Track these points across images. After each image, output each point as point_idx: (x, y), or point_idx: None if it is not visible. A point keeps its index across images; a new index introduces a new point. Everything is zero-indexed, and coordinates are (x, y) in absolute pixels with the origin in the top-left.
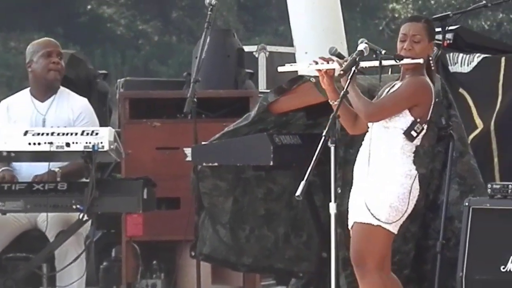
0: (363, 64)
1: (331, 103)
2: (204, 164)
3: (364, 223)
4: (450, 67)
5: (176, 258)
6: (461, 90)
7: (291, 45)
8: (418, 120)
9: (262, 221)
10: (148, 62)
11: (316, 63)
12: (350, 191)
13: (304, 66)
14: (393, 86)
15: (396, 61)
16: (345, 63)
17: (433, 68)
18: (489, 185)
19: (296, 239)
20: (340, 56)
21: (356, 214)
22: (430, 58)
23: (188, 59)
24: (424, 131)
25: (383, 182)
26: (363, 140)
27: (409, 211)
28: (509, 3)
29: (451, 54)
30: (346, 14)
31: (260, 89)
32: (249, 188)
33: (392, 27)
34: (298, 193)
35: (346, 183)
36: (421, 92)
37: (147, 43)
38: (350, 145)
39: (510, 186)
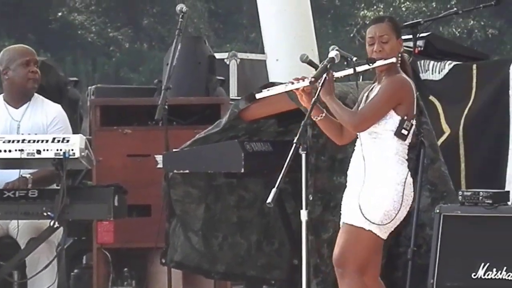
0: (338, 74)
1: (314, 118)
2: (175, 171)
3: (356, 226)
4: (421, 75)
5: (147, 265)
6: (431, 97)
7: (262, 52)
8: (405, 117)
9: (234, 228)
10: (119, 69)
11: (292, 83)
12: (321, 198)
13: (280, 88)
14: (371, 89)
15: (370, 65)
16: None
17: (409, 61)
18: (460, 192)
19: (268, 246)
20: (311, 63)
21: (349, 216)
22: (400, 55)
23: (159, 66)
24: (414, 127)
25: (377, 188)
26: (335, 147)
27: (401, 218)
28: (480, 10)
29: (422, 61)
30: (317, 21)
31: (231, 96)
32: (221, 196)
33: (363, 34)
34: (269, 200)
35: (317, 190)
36: (401, 90)
37: (118, 50)
38: (322, 152)
39: (481, 193)
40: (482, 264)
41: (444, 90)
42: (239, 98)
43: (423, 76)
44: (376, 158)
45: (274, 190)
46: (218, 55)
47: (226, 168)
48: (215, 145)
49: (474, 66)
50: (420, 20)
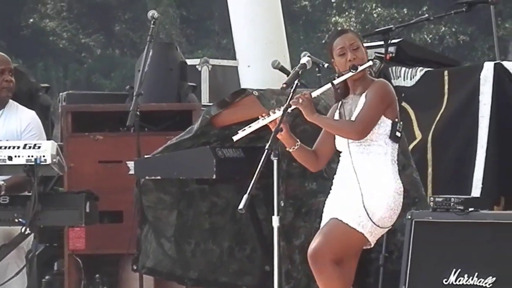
0: (315, 93)
1: (289, 149)
2: (147, 177)
3: (349, 226)
4: (393, 81)
5: (119, 272)
6: (404, 103)
7: (234, 58)
8: (396, 119)
9: (207, 235)
10: (91, 75)
11: (263, 118)
12: (293, 204)
13: (256, 125)
14: (350, 103)
15: (353, 71)
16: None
17: (381, 67)
18: (431, 198)
19: (240, 252)
20: (282, 69)
21: (343, 214)
22: (369, 59)
23: (130, 73)
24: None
25: (375, 192)
26: None
27: (389, 226)
28: (451, 17)
29: (394, 67)
30: (289, 27)
31: (203, 102)
32: (194, 202)
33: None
34: (241, 206)
35: (289, 196)
36: (389, 93)
37: (90, 56)
38: (293, 158)
39: (452, 199)
40: (454, 270)
41: (417, 96)
42: (211, 104)
43: (395, 82)
44: (371, 165)
45: (245, 196)
46: (189, 61)
47: (198, 174)
48: (187, 152)
49: (446, 73)
50: (392, 26)
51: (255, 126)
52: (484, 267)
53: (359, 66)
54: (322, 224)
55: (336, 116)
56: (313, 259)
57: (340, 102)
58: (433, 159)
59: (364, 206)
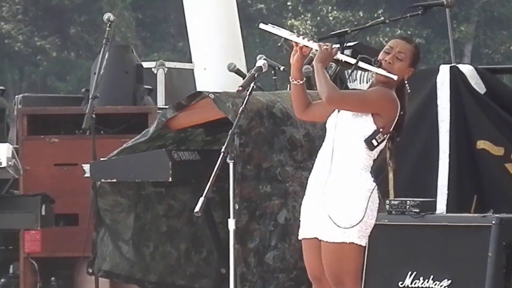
0: (340, 56)
1: (291, 80)
2: (102, 180)
3: (337, 242)
4: (349, 84)
5: (75, 275)
6: None
7: (190, 61)
8: (381, 130)
9: (165, 238)
10: (46, 78)
11: (297, 36)
12: (247, 207)
13: (285, 33)
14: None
15: (373, 65)
16: (246, 79)
17: (408, 91)
18: (387, 201)
19: (197, 255)
20: (238, 72)
21: (324, 232)
22: (406, 81)
23: (86, 75)
24: (384, 142)
25: (348, 198)
26: (261, 156)
27: (373, 223)
28: (407, 20)
29: (350, 70)
30: (245, 30)
31: (158, 105)
32: (151, 205)
33: (290, 43)
34: (196, 209)
35: (243, 199)
36: (386, 103)
37: (45, 59)
38: (248, 161)
39: (408, 202)
40: (409, 272)
41: None
42: (167, 107)
43: (351, 85)
44: (344, 161)
45: (201, 199)
46: (145, 64)
47: (154, 177)
48: (142, 154)
49: None
50: (347, 29)
51: (285, 33)
52: (439, 269)
53: (381, 69)
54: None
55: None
56: (335, 285)
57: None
58: (393, 164)
59: (336, 211)
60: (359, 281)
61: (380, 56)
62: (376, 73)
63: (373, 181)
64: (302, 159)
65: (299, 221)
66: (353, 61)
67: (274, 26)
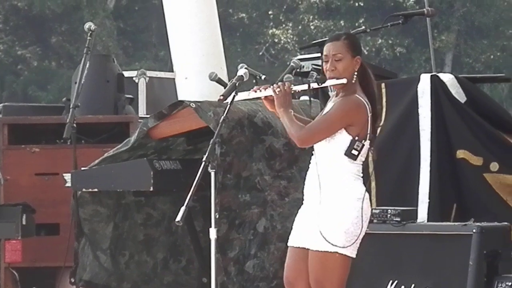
0: (296, 87)
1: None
2: (84, 189)
3: (320, 251)
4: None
5: (56, 285)
6: None
7: (171, 70)
8: (357, 138)
9: (141, 246)
10: (27, 87)
11: (255, 91)
12: (227, 216)
13: (243, 94)
14: (331, 101)
15: (319, 84)
16: (269, 88)
17: (370, 77)
18: None
19: (175, 264)
20: (220, 81)
21: (311, 241)
22: (356, 73)
23: (67, 85)
24: (367, 146)
25: (335, 207)
26: (240, 165)
27: (363, 233)
28: (388, 29)
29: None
30: (226, 39)
31: (140, 114)
32: (129, 214)
33: (272, 52)
34: (178, 218)
35: (223, 208)
36: (353, 111)
37: (26, 68)
38: (228, 170)
39: (389, 211)
40: (391, 281)
41: None
42: (148, 116)
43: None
44: (330, 176)
45: (183, 208)
46: (127, 73)
47: (135, 186)
48: (124, 164)
49: (383, 85)
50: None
51: (243, 95)
52: (420, 278)
53: (327, 81)
54: (293, 243)
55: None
56: None
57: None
58: (376, 173)
59: (326, 224)
60: None
61: (323, 68)
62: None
63: (365, 190)
64: (281, 168)
65: (278, 229)
66: (305, 87)
67: (237, 94)
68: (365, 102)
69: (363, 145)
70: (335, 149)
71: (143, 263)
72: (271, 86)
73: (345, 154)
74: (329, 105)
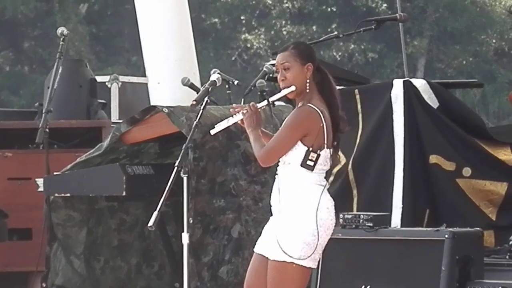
0: (259, 105)
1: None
2: (56, 194)
3: (278, 261)
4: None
5: None
6: None
7: (144, 75)
8: (311, 148)
9: (116, 252)
10: (0, 92)
11: (228, 120)
12: (201, 221)
13: (223, 123)
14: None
15: (269, 101)
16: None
17: (330, 83)
18: (341, 215)
19: (148, 269)
20: (192, 86)
21: (270, 250)
22: (308, 81)
23: (40, 89)
24: (325, 155)
25: (292, 218)
26: (215, 170)
27: (322, 243)
28: (360, 34)
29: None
30: (199, 44)
31: (112, 119)
32: (103, 219)
33: (244, 57)
34: (150, 223)
35: (197, 213)
36: (305, 121)
37: None
38: (202, 175)
39: (361, 216)
40: (363, 286)
41: None
42: (121, 121)
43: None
44: (289, 187)
45: (155, 213)
46: (99, 78)
47: (107, 191)
48: (96, 169)
49: (357, 91)
50: None
51: (224, 124)
52: (393, 283)
53: (275, 95)
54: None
55: None
56: None
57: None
58: (356, 181)
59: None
60: None
61: (278, 80)
62: (291, 93)
63: (327, 198)
64: (256, 172)
65: (252, 234)
66: (265, 102)
67: (221, 123)
68: (317, 110)
69: (319, 154)
70: (291, 160)
71: (118, 269)
72: (242, 110)
73: (301, 165)
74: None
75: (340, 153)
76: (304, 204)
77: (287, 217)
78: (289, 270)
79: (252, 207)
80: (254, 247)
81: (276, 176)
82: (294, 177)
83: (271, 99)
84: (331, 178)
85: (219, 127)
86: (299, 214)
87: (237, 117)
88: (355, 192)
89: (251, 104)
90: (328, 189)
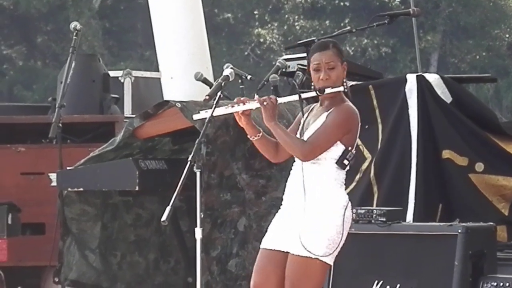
0: (281, 99)
1: (251, 138)
2: (69, 189)
3: (302, 256)
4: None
5: (41, 284)
6: None
7: (157, 70)
8: (350, 148)
9: (133, 247)
10: (13, 87)
11: (233, 106)
12: (210, 215)
13: (220, 110)
14: (311, 110)
15: (318, 93)
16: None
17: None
18: (354, 210)
19: (165, 265)
20: (205, 81)
21: (292, 245)
22: (344, 81)
23: (53, 84)
24: (353, 154)
25: (320, 215)
26: (223, 164)
27: (343, 241)
28: (374, 29)
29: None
30: (212, 39)
31: (125, 114)
32: (118, 214)
33: (257, 52)
34: (163, 218)
35: (206, 207)
36: (351, 120)
37: (12, 68)
38: (212, 169)
39: (374, 211)
40: (376, 281)
41: None
42: (134, 116)
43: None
44: (316, 183)
45: (168, 208)
46: (112, 73)
47: (120, 186)
48: (109, 163)
49: (371, 87)
50: (315, 38)
51: (220, 111)
52: (406, 278)
53: (326, 89)
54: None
55: (306, 121)
56: None
57: (312, 107)
58: (376, 178)
59: (308, 233)
60: None
61: (313, 78)
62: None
63: (348, 198)
64: (260, 167)
65: (254, 228)
66: (295, 97)
67: (206, 110)
68: (356, 110)
69: (353, 154)
70: (325, 157)
71: (136, 264)
72: (257, 99)
73: (336, 162)
74: (322, 117)
75: (365, 150)
76: (333, 202)
77: (314, 214)
78: (313, 266)
79: (253, 201)
80: (259, 242)
81: (293, 172)
82: (326, 174)
83: (304, 95)
84: (359, 176)
85: (218, 111)
86: (328, 212)
87: (250, 105)
88: (375, 188)
89: (271, 96)
90: (355, 186)
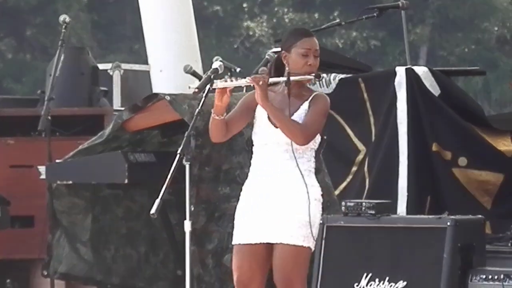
0: (272, 80)
1: (217, 117)
2: (58, 182)
3: (296, 245)
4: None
5: (30, 277)
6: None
7: (146, 63)
8: (325, 137)
9: (125, 240)
10: (2, 80)
11: (226, 81)
12: (205, 208)
13: (221, 83)
14: (280, 99)
15: (316, 79)
16: (202, 81)
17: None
18: (343, 203)
19: (154, 257)
20: (194, 74)
21: (281, 236)
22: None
23: (42, 77)
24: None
25: (301, 204)
26: (220, 158)
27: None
28: (363, 22)
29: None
30: (201, 32)
31: (114, 107)
32: (109, 207)
33: (246, 45)
34: (152, 211)
35: (201, 201)
36: (328, 108)
37: (1, 60)
38: (206, 162)
39: (364, 203)
40: (365, 274)
41: (338, 103)
42: (123, 109)
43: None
44: (293, 171)
45: (157, 201)
46: (101, 66)
47: (110, 179)
48: (98, 156)
49: (360, 80)
50: None
51: (219, 84)
52: (395, 271)
53: (293, 78)
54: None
55: (260, 111)
56: None
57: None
58: (368, 171)
59: (296, 220)
60: (306, 286)
61: (300, 62)
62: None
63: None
64: None
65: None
66: (283, 79)
67: (227, 79)
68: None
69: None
70: (304, 148)
71: (129, 257)
72: (251, 78)
73: (316, 151)
74: (303, 106)
75: (359, 142)
76: (312, 187)
77: (295, 202)
78: (303, 253)
79: None
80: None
81: (262, 159)
82: (301, 162)
83: (292, 78)
84: (355, 168)
85: (218, 84)
86: (310, 198)
87: (240, 82)
88: (367, 181)
89: (263, 76)
90: (352, 179)
